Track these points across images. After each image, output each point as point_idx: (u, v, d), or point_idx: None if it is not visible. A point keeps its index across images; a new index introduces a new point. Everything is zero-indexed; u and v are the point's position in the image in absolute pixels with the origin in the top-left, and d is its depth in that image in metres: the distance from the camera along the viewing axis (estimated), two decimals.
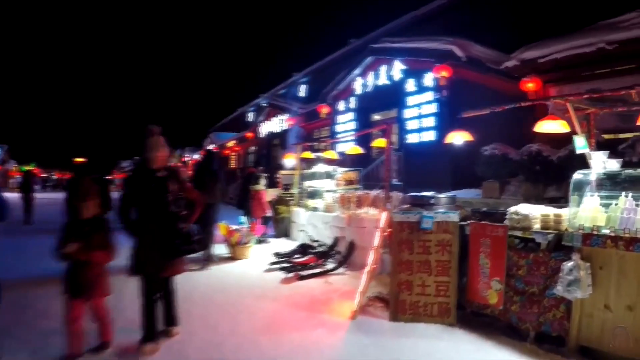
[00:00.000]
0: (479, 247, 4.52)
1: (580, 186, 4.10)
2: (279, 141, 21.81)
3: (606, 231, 3.71)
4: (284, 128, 21.12)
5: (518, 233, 4.29)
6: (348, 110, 15.87)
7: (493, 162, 8.12)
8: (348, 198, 8.57)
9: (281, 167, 15.17)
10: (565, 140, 8.27)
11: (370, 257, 5.38)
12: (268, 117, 23.19)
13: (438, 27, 14.17)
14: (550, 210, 4.20)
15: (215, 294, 5.73)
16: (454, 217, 4.76)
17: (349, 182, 10.11)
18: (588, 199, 4.02)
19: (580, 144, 4.36)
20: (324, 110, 16.91)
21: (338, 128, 16.29)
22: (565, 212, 4.09)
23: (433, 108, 11.57)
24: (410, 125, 12.38)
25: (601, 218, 3.82)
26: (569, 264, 3.74)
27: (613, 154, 6.47)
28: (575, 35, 8.28)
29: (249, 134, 25.74)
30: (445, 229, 4.75)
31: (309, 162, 12.70)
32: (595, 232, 3.74)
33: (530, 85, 9.01)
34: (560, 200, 7.09)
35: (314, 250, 8.02)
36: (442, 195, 5.73)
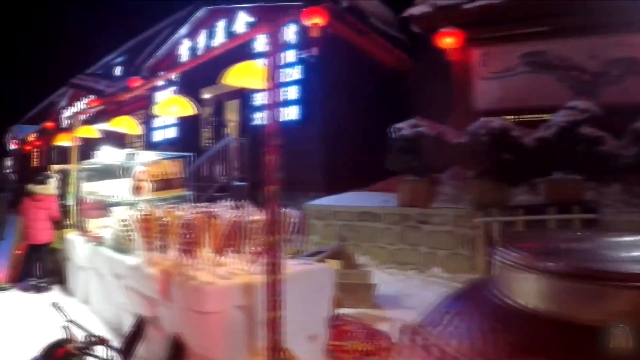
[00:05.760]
0: None
1: None
2: None
3: None
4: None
5: None
6: (169, 84, 11.46)
7: (417, 148, 4.85)
8: (160, 226, 3.26)
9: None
10: None
11: None
12: (71, 102, 18.71)
13: None
14: None
15: None
16: None
17: (164, 183, 4.52)
18: None
19: None
20: (136, 85, 12.55)
21: (157, 110, 11.76)
22: None
23: (296, 74, 8.02)
24: (260, 100, 8.67)
25: None
26: None
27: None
28: None
29: (49, 124, 20.46)
30: None
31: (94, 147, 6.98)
32: None
33: (448, 40, 6.17)
34: (545, 211, 4.23)
35: None
36: None
